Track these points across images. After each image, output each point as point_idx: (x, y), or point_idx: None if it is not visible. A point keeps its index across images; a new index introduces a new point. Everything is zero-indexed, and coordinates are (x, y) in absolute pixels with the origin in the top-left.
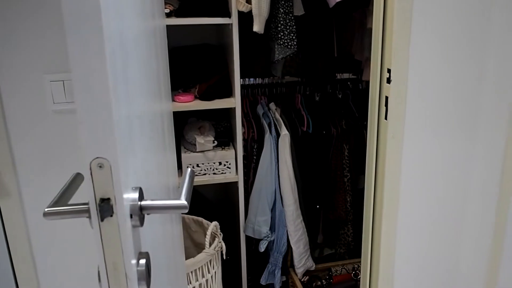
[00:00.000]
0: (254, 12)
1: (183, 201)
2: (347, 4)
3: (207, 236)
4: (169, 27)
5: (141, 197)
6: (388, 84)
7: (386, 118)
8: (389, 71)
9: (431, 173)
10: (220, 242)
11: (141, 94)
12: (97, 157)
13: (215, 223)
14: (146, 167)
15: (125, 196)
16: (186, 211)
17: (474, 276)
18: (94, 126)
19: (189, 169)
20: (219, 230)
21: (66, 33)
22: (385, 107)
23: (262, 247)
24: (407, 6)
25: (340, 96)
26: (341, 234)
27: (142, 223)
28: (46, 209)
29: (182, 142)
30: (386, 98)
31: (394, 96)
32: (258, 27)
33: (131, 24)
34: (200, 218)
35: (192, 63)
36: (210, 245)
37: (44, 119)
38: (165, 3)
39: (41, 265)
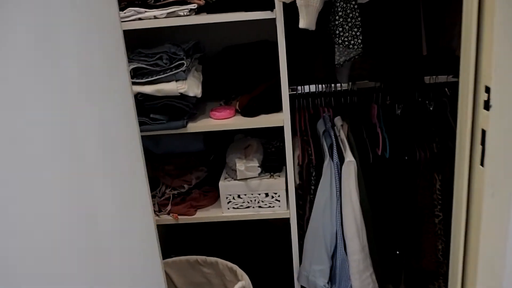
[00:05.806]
0: (298, 2)
1: None
2: None
3: None
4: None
5: None
6: (486, 111)
7: (482, 164)
8: (487, 90)
9: None
10: None
11: None
12: None
13: (242, 283)
14: None
15: None
16: None
17: None
18: None
19: None
20: None
21: None
22: (481, 147)
23: None
24: None
25: (431, 108)
26: None
27: None
28: None
29: (226, 166)
30: (483, 132)
31: (496, 130)
32: (305, 22)
33: None
34: (234, 266)
35: (240, 67)
36: None
37: None
38: None
39: None
